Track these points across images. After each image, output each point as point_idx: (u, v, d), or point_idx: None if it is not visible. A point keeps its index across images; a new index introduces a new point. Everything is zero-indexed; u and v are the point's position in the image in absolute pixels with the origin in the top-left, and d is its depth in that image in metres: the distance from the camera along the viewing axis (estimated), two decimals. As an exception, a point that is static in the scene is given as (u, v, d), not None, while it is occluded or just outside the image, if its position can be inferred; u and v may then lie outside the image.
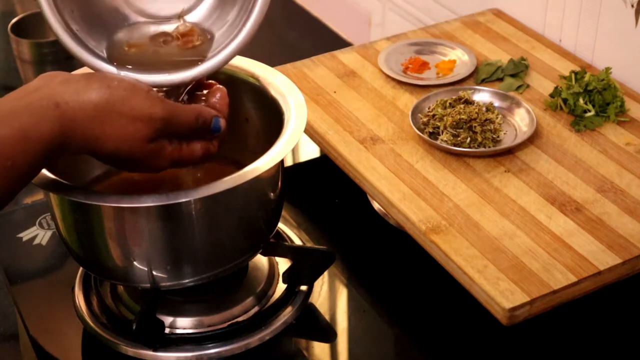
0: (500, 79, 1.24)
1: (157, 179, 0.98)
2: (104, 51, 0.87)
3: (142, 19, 0.90)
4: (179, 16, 0.90)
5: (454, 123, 1.09)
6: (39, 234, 1.13)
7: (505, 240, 0.95)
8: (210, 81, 0.90)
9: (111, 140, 0.78)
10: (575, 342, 0.97)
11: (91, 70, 0.89)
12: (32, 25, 1.53)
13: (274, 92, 0.98)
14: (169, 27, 0.90)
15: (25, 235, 1.13)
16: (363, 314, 1.02)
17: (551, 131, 1.13)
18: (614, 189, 1.02)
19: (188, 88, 0.89)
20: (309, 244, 1.10)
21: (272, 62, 1.06)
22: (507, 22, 1.38)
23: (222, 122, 0.86)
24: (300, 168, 1.28)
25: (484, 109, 1.12)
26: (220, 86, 0.89)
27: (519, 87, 1.22)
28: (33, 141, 0.74)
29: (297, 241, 1.09)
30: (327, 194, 1.19)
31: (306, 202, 1.18)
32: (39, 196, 1.19)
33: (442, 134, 1.10)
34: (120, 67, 0.86)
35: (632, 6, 1.19)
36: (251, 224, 0.93)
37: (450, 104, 1.13)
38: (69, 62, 1.46)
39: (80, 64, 0.89)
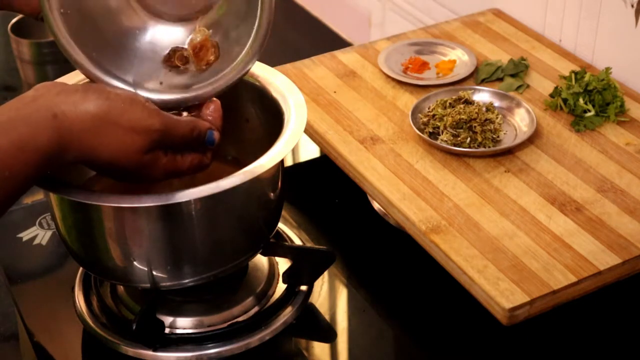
0: (500, 79, 1.24)
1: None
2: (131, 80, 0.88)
3: (157, 23, 0.90)
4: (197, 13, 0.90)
5: (454, 123, 1.09)
6: (39, 234, 1.13)
7: (505, 240, 0.95)
8: None
9: (107, 151, 0.79)
10: (575, 342, 0.97)
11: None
12: (32, 25, 1.53)
13: (274, 92, 0.98)
14: (182, 37, 0.90)
15: (25, 235, 1.13)
16: (363, 314, 1.02)
17: (551, 131, 1.13)
18: (614, 189, 1.02)
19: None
20: (309, 244, 1.10)
21: (272, 62, 1.06)
22: (507, 22, 1.38)
23: (216, 135, 0.87)
24: (300, 168, 1.28)
25: (484, 109, 1.12)
26: (214, 99, 0.89)
27: (519, 87, 1.22)
28: (30, 152, 0.75)
29: (297, 241, 1.09)
30: (327, 194, 1.19)
31: (306, 202, 1.18)
32: (39, 196, 1.19)
33: (442, 134, 1.10)
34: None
35: (632, 6, 1.19)
36: (251, 224, 0.93)
37: (450, 104, 1.13)
38: (68, 62, 1.46)
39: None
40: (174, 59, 0.89)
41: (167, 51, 0.89)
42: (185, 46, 0.89)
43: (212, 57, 0.89)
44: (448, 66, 1.26)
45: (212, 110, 0.88)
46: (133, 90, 0.86)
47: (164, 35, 0.90)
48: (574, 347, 0.96)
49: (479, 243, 0.95)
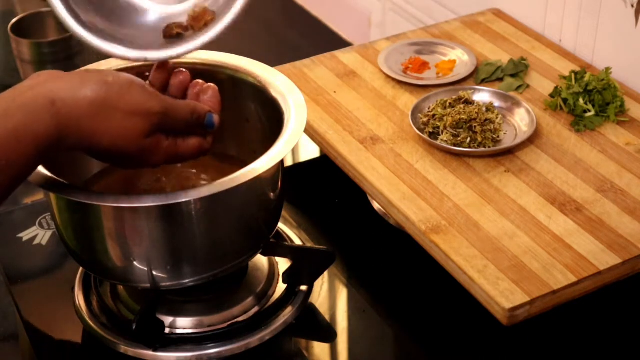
0: (500, 79, 1.24)
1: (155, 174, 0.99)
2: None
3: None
4: None
5: (454, 123, 1.09)
6: (39, 234, 1.13)
7: (505, 240, 0.95)
8: (199, 80, 0.90)
9: (107, 136, 0.78)
10: (575, 342, 0.97)
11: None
12: (32, 25, 1.54)
13: (274, 92, 0.98)
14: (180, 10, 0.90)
15: (25, 235, 1.13)
16: (363, 314, 1.02)
17: (551, 131, 1.13)
18: (614, 189, 1.02)
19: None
20: (309, 244, 1.10)
21: (272, 62, 1.06)
22: (507, 22, 1.38)
23: (216, 118, 0.86)
24: (300, 168, 1.28)
25: (484, 109, 1.12)
26: (211, 84, 0.89)
27: (519, 87, 1.22)
28: (28, 140, 0.74)
29: (297, 241, 1.09)
30: (327, 194, 1.19)
31: (306, 202, 1.18)
32: (39, 196, 1.19)
33: (442, 134, 1.10)
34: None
35: (632, 6, 1.19)
36: (251, 224, 0.93)
37: (450, 104, 1.13)
38: (68, 62, 1.46)
39: (81, 64, 0.89)
40: (173, 29, 0.89)
41: (164, 25, 0.89)
42: (184, 22, 0.89)
43: (209, 17, 0.88)
44: (448, 66, 1.26)
45: (211, 96, 0.88)
46: (139, 56, 0.86)
47: (165, 10, 0.90)
48: (574, 347, 0.96)
49: (479, 243, 0.95)
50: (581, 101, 1.15)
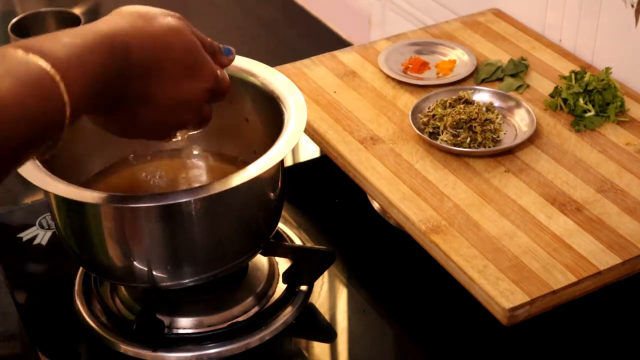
0: (500, 79, 1.24)
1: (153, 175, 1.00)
2: None
3: None
4: None
5: (454, 123, 1.09)
6: (39, 234, 1.13)
7: (505, 240, 0.95)
8: None
9: (168, 34, 0.78)
10: (575, 342, 0.97)
11: None
12: (32, 25, 1.53)
13: (274, 92, 0.98)
14: None
15: (25, 235, 1.13)
16: (363, 314, 1.02)
17: (551, 131, 1.13)
18: (614, 189, 1.02)
19: None
20: (309, 244, 1.10)
21: (272, 62, 1.06)
22: (507, 22, 1.38)
23: (230, 47, 0.87)
24: (300, 168, 1.28)
25: (484, 109, 1.12)
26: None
27: (519, 87, 1.22)
28: (88, 36, 0.72)
29: (297, 241, 1.09)
30: (327, 194, 1.19)
31: (306, 202, 1.18)
32: (39, 196, 1.19)
33: (442, 134, 1.10)
34: None
35: (632, 6, 1.19)
36: (251, 224, 0.93)
37: (450, 104, 1.13)
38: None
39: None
40: None
41: None
42: None
43: None
44: (448, 66, 1.26)
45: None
46: None
47: None
48: (574, 347, 0.96)
49: (479, 243, 0.95)
50: (581, 101, 1.15)
